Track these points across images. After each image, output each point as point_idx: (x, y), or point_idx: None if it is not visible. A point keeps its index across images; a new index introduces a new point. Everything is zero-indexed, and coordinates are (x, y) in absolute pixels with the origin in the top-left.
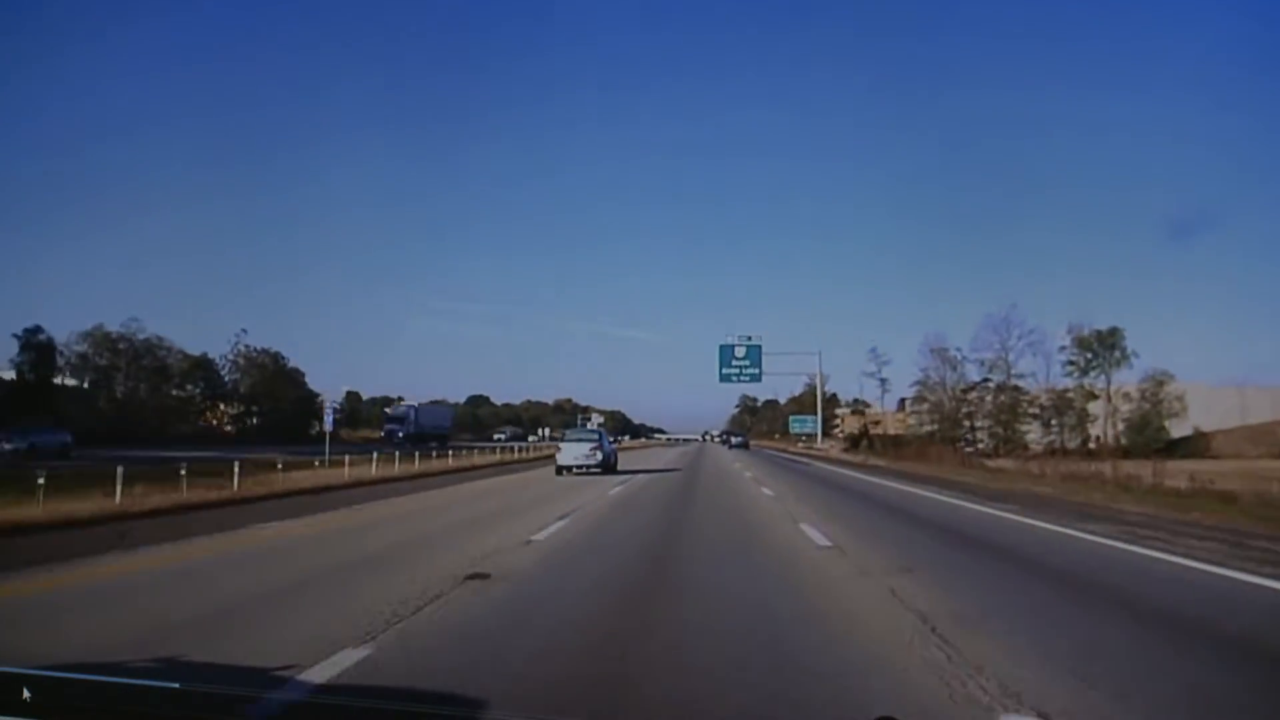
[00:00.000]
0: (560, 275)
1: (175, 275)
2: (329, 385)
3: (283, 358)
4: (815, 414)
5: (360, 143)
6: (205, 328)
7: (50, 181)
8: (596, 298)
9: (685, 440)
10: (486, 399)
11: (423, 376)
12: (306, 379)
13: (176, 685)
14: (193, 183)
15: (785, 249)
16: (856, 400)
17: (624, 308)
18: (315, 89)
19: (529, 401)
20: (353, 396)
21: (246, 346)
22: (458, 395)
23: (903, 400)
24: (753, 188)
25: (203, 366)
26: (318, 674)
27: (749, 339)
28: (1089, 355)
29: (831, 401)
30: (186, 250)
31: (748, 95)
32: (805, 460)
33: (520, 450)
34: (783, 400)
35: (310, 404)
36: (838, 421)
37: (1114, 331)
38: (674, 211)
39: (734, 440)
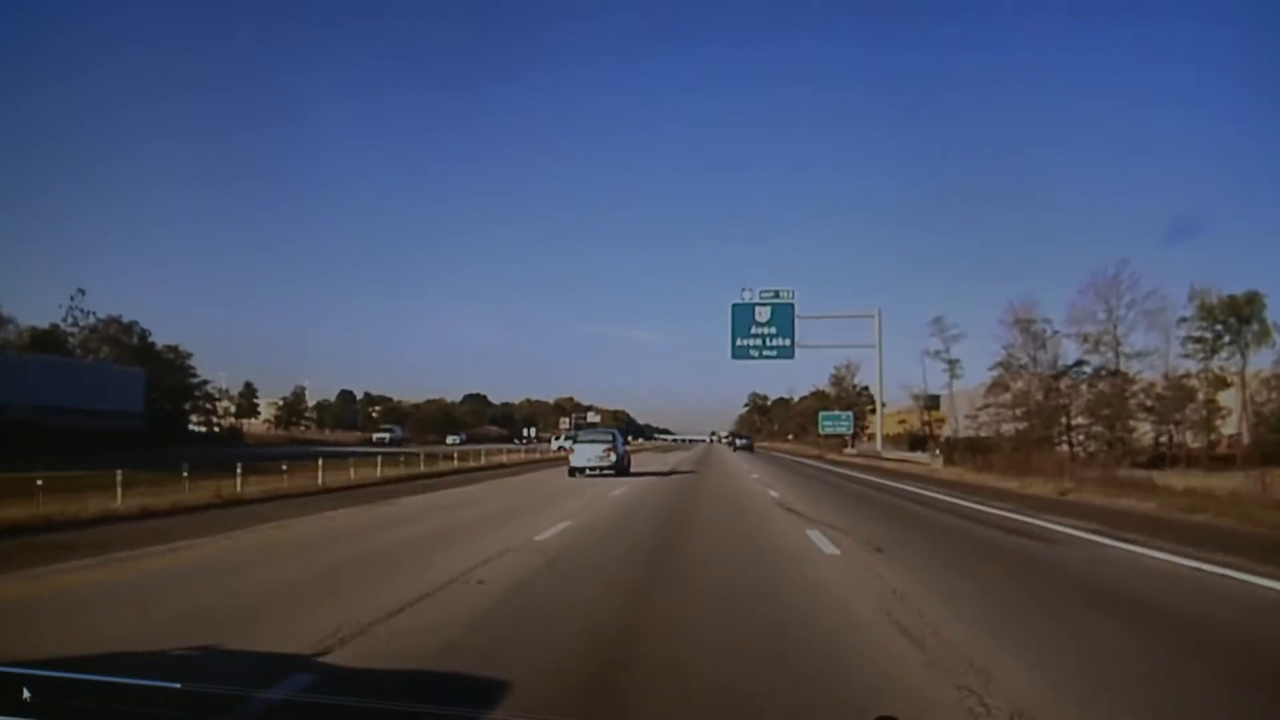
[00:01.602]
0: (561, 272)
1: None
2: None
3: (144, 332)
4: (850, 410)
5: (360, 142)
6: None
7: None
8: (598, 295)
9: (691, 441)
10: (483, 397)
11: (423, 376)
12: (193, 363)
13: (178, 685)
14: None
15: (813, 214)
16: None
17: (626, 306)
18: (313, 90)
19: (529, 400)
20: (346, 395)
21: (83, 312)
22: (456, 394)
23: (935, 397)
24: (770, 160)
25: (49, 344)
26: None
27: (775, 295)
28: (1218, 329)
29: (861, 395)
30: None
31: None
32: (930, 494)
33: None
34: (797, 398)
35: (192, 395)
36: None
37: (1253, 298)
38: (675, 206)
39: (739, 442)
